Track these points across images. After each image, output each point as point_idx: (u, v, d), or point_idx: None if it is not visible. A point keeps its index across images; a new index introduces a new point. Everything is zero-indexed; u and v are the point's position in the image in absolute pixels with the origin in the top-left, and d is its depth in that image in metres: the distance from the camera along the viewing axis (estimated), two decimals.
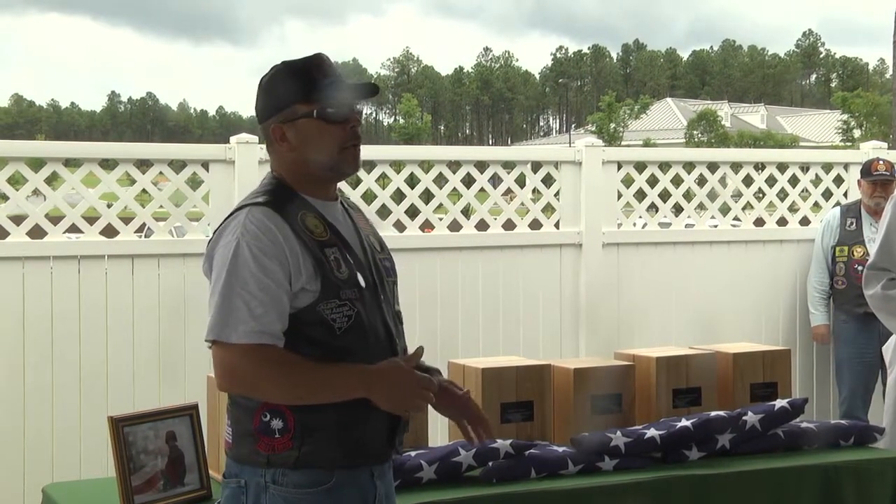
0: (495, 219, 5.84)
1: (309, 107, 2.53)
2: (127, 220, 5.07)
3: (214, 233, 2.56)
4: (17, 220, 4.86)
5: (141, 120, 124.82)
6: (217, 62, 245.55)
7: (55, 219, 4.94)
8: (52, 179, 4.97)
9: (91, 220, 4.97)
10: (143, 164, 5.27)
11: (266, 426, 2.47)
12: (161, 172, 5.19)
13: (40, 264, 4.83)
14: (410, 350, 2.63)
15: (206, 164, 5.18)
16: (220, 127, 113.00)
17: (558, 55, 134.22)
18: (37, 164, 5.04)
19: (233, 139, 5.22)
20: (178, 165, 5.28)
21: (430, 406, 2.58)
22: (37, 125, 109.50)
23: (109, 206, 5.06)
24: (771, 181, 6.49)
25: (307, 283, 2.45)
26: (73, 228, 4.98)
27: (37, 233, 4.89)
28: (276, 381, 2.43)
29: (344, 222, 2.61)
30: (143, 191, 5.14)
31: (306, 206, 2.54)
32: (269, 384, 2.44)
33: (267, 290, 2.42)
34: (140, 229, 5.18)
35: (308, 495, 2.46)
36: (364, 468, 2.54)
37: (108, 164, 5.17)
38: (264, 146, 5.34)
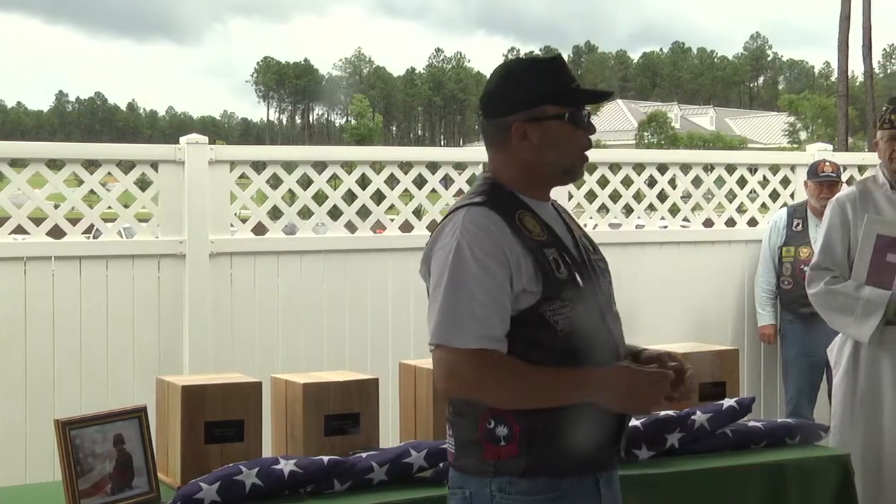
0: None
1: (559, 109, 2.50)
2: (74, 221, 5.01)
3: (432, 234, 2.53)
4: None
5: (90, 120, 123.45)
6: (162, 62, 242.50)
7: (0, 220, 4.87)
8: None
9: (37, 220, 4.91)
10: (92, 165, 5.22)
11: (491, 434, 2.44)
12: (109, 173, 5.15)
13: None
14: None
15: (155, 165, 5.14)
16: (170, 127, 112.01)
17: (510, 57, 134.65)
18: None
19: (182, 140, 5.18)
20: (126, 166, 5.24)
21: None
22: None
23: (56, 206, 5.01)
24: (720, 182, 6.56)
25: (528, 284, 2.41)
26: (19, 229, 4.91)
27: None
28: (499, 386, 2.39)
29: (557, 222, 2.58)
30: (92, 191, 5.08)
31: (523, 205, 2.51)
32: (491, 388, 2.40)
33: (489, 293, 2.38)
34: (88, 230, 5.13)
35: (537, 502, 2.42)
36: (590, 475, 2.49)
37: (55, 164, 5.11)
38: (214, 147, 5.34)
